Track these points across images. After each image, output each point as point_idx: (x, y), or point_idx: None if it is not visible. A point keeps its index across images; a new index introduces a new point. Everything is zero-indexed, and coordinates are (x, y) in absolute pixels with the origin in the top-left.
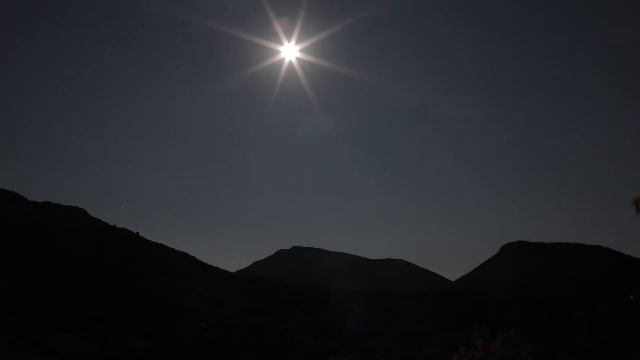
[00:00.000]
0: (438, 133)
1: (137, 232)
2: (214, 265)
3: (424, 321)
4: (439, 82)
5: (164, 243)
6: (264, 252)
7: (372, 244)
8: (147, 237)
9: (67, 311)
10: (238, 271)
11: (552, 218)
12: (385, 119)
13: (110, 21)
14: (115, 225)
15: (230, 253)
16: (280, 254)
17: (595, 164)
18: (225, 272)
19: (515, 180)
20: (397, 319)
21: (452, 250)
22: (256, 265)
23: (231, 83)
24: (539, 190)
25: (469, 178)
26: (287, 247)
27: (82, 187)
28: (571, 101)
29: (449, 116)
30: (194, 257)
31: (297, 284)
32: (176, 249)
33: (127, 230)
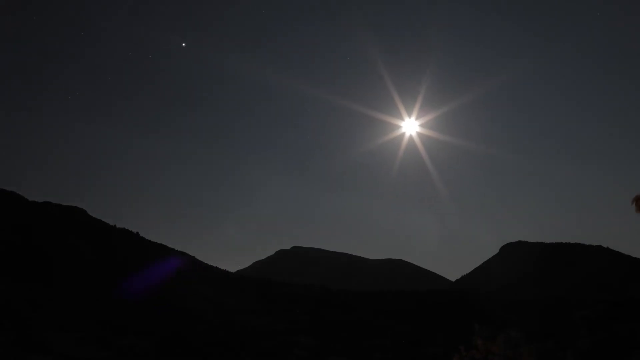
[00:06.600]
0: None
1: (137, 232)
2: (214, 265)
3: (423, 321)
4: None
5: (164, 243)
6: (264, 252)
7: (372, 244)
8: (147, 237)
9: (67, 311)
10: (238, 271)
11: (552, 218)
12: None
13: (256, 96)
14: (115, 225)
15: (230, 253)
16: (280, 254)
17: (595, 164)
18: (225, 272)
19: (515, 180)
20: (397, 319)
21: (452, 250)
22: (256, 265)
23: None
24: (539, 190)
25: (469, 178)
26: (287, 247)
27: (82, 187)
28: (571, 101)
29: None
30: (194, 257)
31: (297, 284)
32: (176, 249)
33: (127, 230)
